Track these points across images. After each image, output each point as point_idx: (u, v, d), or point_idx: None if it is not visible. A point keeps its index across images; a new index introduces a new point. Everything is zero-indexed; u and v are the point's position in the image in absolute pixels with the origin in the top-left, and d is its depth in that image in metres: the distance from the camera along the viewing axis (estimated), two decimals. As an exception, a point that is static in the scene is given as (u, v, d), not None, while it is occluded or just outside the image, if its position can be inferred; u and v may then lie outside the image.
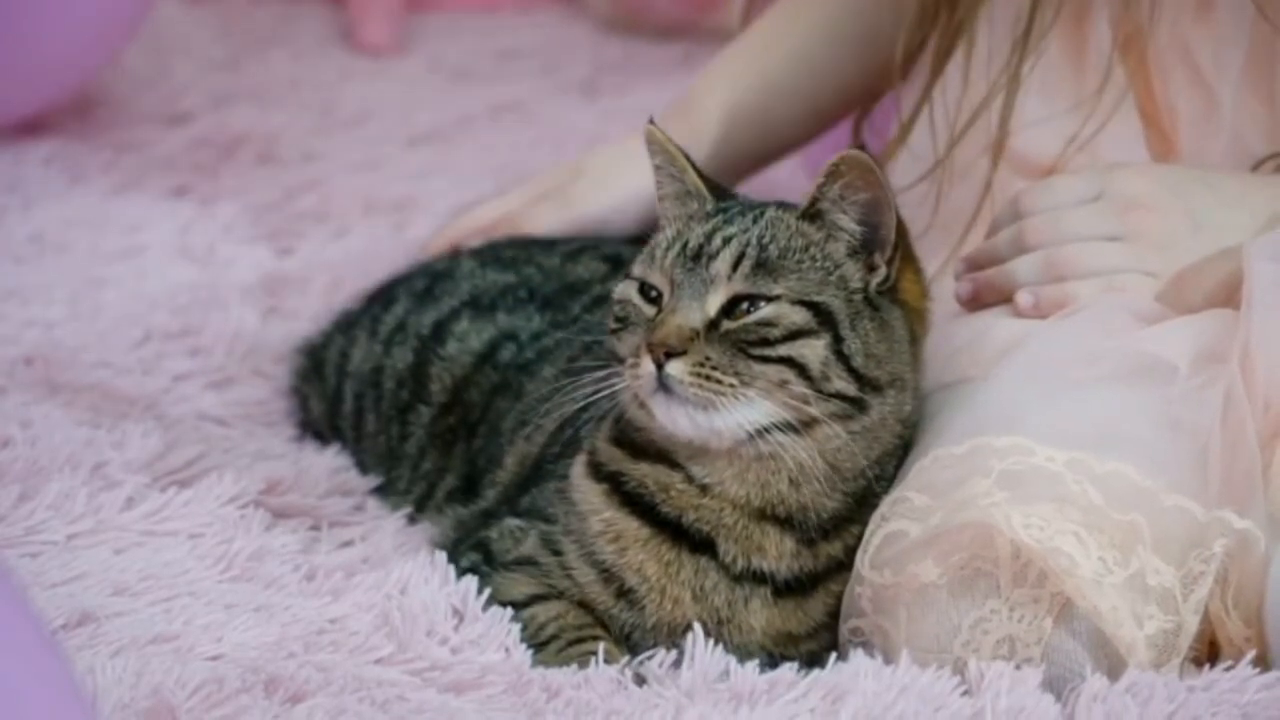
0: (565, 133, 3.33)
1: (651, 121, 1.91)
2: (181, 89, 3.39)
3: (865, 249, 1.83)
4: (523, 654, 1.82)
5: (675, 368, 1.78)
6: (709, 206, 1.88)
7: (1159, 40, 2.04)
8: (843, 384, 1.80)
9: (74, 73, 3.11)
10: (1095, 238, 1.94)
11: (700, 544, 1.84)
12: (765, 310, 1.80)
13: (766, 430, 1.79)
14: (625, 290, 1.86)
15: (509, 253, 2.25)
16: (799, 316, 1.80)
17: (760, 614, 1.84)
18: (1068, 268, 1.93)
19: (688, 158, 1.89)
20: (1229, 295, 1.87)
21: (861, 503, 1.85)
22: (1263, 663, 1.78)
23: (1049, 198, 1.97)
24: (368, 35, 3.71)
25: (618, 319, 1.85)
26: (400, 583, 1.88)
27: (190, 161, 3.10)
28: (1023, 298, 1.94)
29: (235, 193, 3.00)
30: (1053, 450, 1.78)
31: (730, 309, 1.80)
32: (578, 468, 1.89)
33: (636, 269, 1.86)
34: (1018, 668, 1.75)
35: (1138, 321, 1.89)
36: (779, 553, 1.84)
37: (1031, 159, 2.06)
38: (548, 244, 2.28)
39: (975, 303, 1.98)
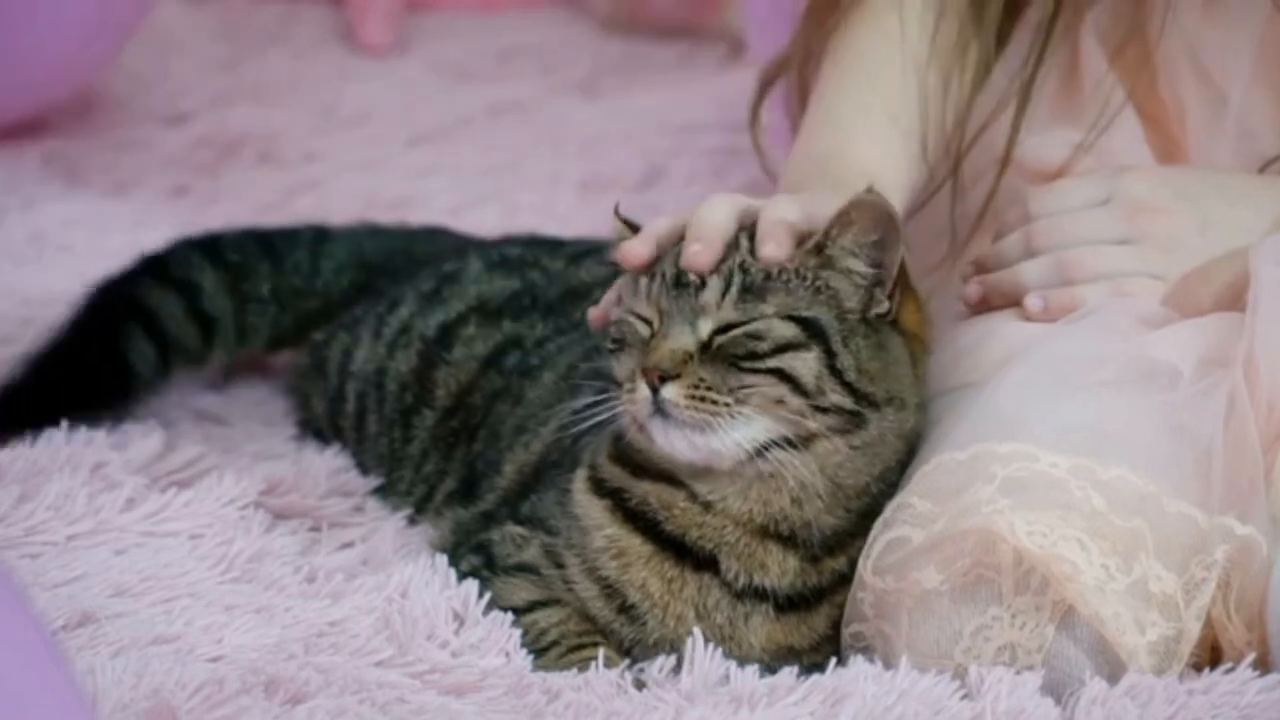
0: (565, 133, 3.32)
1: (616, 212, 1.88)
2: (181, 89, 3.39)
3: (872, 287, 1.82)
4: (523, 658, 1.82)
5: (670, 391, 1.76)
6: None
7: (1165, 40, 2.04)
8: (838, 397, 1.78)
9: (74, 73, 3.11)
10: (1104, 241, 1.93)
11: (703, 562, 1.83)
12: (754, 323, 1.78)
13: (766, 448, 1.77)
14: (621, 315, 1.84)
15: (515, 254, 2.24)
16: (787, 331, 1.78)
17: (761, 630, 1.83)
18: (1076, 271, 1.92)
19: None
20: (1236, 298, 1.87)
21: (865, 518, 1.83)
22: (1263, 665, 1.77)
23: (1057, 201, 1.96)
24: (367, 35, 3.71)
25: (614, 340, 1.84)
26: (401, 585, 1.87)
27: (190, 161, 3.11)
28: (1031, 301, 1.93)
29: (235, 193, 3.00)
30: (1056, 456, 1.78)
31: (722, 333, 1.79)
32: (579, 483, 1.88)
33: (627, 301, 1.83)
34: (1018, 674, 1.75)
35: (1143, 326, 1.88)
36: (781, 570, 1.83)
37: (1036, 166, 2.05)
38: (554, 246, 2.27)
39: (983, 306, 1.98)
